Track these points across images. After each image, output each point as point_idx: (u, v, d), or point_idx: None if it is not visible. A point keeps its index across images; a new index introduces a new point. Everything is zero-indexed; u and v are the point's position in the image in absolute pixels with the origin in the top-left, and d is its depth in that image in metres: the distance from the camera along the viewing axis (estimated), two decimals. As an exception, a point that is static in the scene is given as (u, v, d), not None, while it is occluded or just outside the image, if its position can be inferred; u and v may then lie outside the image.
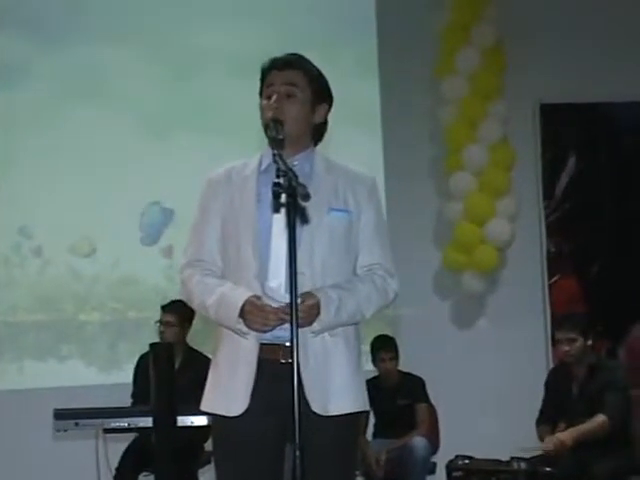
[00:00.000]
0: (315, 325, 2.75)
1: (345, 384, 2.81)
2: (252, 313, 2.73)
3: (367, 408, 2.91)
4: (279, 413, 2.72)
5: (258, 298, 2.75)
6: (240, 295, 2.77)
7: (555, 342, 5.46)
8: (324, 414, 2.76)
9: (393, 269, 2.93)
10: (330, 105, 2.96)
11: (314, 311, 2.73)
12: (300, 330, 2.57)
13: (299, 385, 2.59)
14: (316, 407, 2.74)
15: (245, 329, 2.76)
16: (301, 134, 2.89)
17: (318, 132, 2.96)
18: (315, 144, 2.96)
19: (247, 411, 2.77)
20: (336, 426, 2.78)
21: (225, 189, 2.90)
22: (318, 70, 2.94)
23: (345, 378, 2.81)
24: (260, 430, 2.78)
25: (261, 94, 2.92)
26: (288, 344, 2.65)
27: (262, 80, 2.92)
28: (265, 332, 2.75)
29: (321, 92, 2.92)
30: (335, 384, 2.78)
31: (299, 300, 2.61)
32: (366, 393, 2.91)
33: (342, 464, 2.84)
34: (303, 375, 2.70)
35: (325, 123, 2.97)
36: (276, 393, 2.73)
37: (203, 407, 2.89)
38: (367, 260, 2.90)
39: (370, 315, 2.88)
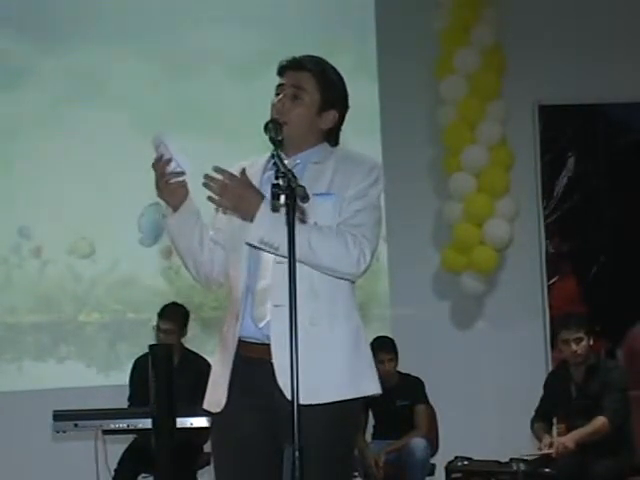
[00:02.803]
0: (252, 234, 2.67)
1: (327, 373, 2.72)
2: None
3: (366, 392, 2.79)
4: (268, 412, 2.73)
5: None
6: None
7: (559, 342, 5.41)
8: (303, 403, 2.55)
9: (368, 243, 2.73)
10: (341, 112, 2.91)
11: (239, 188, 2.68)
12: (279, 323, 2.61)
13: (272, 375, 2.64)
14: (290, 395, 2.60)
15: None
16: (304, 136, 2.86)
17: (330, 137, 2.91)
18: (331, 145, 2.91)
19: (230, 408, 2.77)
20: (325, 415, 2.70)
21: None
22: (336, 75, 2.91)
23: (327, 367, 2.72)
24: (246, 428, 2.77)
25: None
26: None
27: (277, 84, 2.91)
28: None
29: (331, 98, 2.88)
30: (318, 375, 2.67)
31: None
32: (370, 375, 2.80)
33: (328, 453, 2.75)
34: (275, 365, 2.69)
35: (336, 129, 2.92)
36: (264, 392, 2.74)
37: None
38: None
39: (324, 260, 2.69)
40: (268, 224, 2.66)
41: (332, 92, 2.89)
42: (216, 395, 2.82)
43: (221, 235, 2.89)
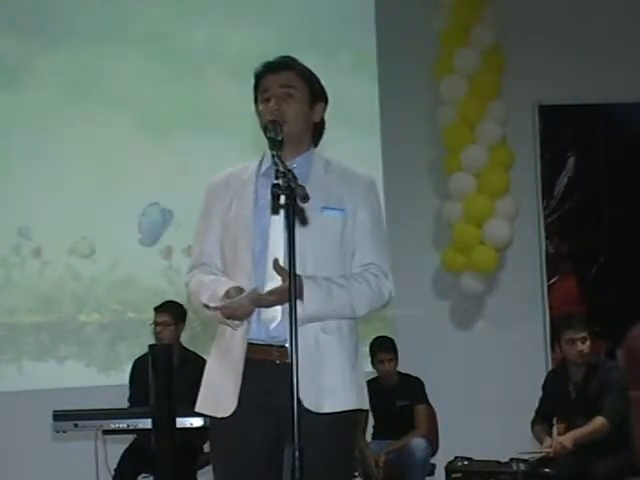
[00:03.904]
0: (299, 312, 2.66)
1: (338, 382, 2.78)
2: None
3: (364, 407, 2.87)
4: (272, 414, 2.73)
5: (237, 289, 2.74)
6: (224, 287, 2.77)
7: (562, 342, 5.40)
8: (317, 411, 2.73)
9: (388, 270, 2.90)
10: (326, 104, 2.96)
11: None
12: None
13: (278, 376, 2.65)
14: (308, 404, 2.71)
15: (235, 322, 2.76)
16: (302, 133, 2.89)
17: (317, 131, 2.96)
18: (315, 144, 2.97)
19: (237, 412, 2.77)
20: (330, 424, 2.75)
21: (224, 194, 2.91)
22: (310, 70, 2.95)
23: (338, 376, 2.79)
24: (251, 431, 2.77)
25: (256, 100, 2.92)
26: (284, 345, 2.71)
27: (256, 86, 2.92)
28: (241, 320, 2.75)
29: (317, 91, 2.93)
30: (328, 382, 2.76)
31: (279, 281, 2.66)
32: (365, 391, 2.89)
33: (336, 462, 2.81)
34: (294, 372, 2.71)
35: (323, 122, 2.97)
36: (269, 394, 2.74)
37: (196, 407, 2.91)
38: (362, 260, 2.87)
39: (363, 313, 2.85)
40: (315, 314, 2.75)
41: (316, 85, 2.93)
42: (223, 400, 2.80)
43: (217, 254, 2.90)
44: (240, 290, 2.73)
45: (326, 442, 2.75)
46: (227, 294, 2.73)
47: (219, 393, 2.82)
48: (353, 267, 2.87)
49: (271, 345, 2.77)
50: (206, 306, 2.75)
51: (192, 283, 2.92)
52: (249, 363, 2.78)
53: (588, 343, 5.29)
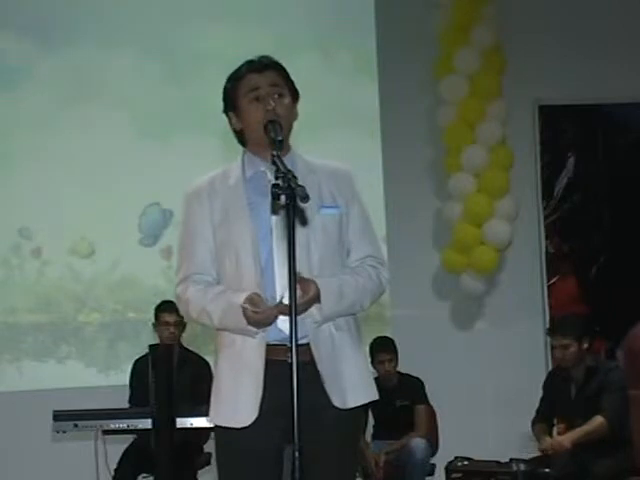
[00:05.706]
0: (316, 315, 2.76)
1: (356, 376, 2.85)
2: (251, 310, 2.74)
3: (377, 397, 2.94)
4: (289, 415, 2.72)
5: (258, 296, 2.74)
6: (239, 296, 2.76)
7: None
8: (343, 407, 2.79)
9: (383, 258, 2.96)
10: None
11: (312, 301, 2.75)
12: (306, 324, 2.70)
13: (318, 381, 2.72)
14: (336, 401, 2.78)
15: (255, 329, 2.75)
16: (289, 134, 2.89)
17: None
18: None
19: (256, 419, 2.77)
20: (352, 418, 2.84)
21: (210, 200, 2.86)
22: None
23: (355, 370, 2.85)
24: (269, 435, 2.77)
25: (232, 101, 2.89)
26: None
27: (235, 85, 2.90)
28: (263, 327, 2.76)
29: (296, 90, 2.94)
30: (349, 377, 2.82)
31: (299, 290, 2.64)
32: (374, 382, 2.97)
33: (354, 453, 2.97)
34: (320, 371, 2.77)
35: None
36: (285, 394, 2.72)
37: (211, 420, 2.88)
38: (359, 253, 2.91)
39: (368, 305, 2.91)
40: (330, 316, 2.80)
41: (294, 84, 2.94)
42: (242, 410, 2.78)
43: (211, 263, 2.87)
44: (259, 297, 2.73)
45: (353, 437, 2.90)
46: (249, 301, 2.72)
47: (236, 404, 2.80)
48: (351, 261, 2.91)
49: (284, 345, 2.75)
50: (244, 308, 2.72)
51: (189, 293, 2.86)
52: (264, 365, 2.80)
53: (572, 350, 5.25)
